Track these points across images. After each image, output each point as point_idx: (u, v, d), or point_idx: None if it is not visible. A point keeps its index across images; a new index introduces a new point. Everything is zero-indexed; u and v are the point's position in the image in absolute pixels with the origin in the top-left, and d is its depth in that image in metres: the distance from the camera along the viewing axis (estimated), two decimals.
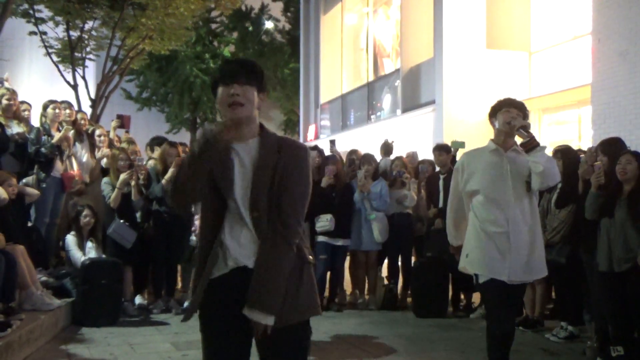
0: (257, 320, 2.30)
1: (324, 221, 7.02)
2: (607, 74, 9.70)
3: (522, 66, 13.01)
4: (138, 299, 7.14)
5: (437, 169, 7.88)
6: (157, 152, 7.57)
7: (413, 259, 7.91)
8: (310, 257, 2.49)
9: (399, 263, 7.79)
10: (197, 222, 7.07)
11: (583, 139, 11.34)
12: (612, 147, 5.40)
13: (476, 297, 7.35)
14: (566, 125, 12.35)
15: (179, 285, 7.59)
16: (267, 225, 2.37)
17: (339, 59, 20.13)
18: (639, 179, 4.82)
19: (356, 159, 7.99)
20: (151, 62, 23.92)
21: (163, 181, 6.99)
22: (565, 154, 5.91)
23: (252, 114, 2.50)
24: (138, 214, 7.21)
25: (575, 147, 9.01)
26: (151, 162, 7.48)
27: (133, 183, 6.86)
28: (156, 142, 8.10)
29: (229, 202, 2.43)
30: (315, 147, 8.25)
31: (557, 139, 12.01)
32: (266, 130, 2.55)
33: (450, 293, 7.35)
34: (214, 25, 27.42)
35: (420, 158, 8.81)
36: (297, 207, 2.42)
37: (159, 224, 7.10)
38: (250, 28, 27.85)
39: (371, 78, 18.11)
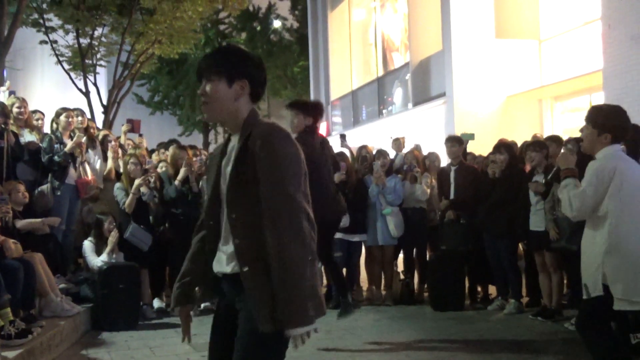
0: (297, 335, 2.09)
1: None
2: (618, 59, 9.60)
3: (532, 55, 12.91)
4: (156, 302, 7.18)
5: (447, 161, 7.84)
6: (167, 154, 7.62)
7: (428, 253, 7.89)
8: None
9: (414, 257, 7.78)
10: None
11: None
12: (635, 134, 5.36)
13: (492, 289, 7.32)
14: (579, 113, 12.25)
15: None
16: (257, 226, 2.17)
17: (348, 55, 20.10)
18: None
19: (367, 155, 7.97)
20: (161, 66, 24.05)
21: (176, 182, 7.06)
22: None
23: (225, 109, 2.30)
24: (151, 217, 7.25)
25: None
26: (162, 165, 7.52)
27: (144, 188, 6.89)
28: (164, 145, 8.17)
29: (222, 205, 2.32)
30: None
31: (571, 126, 11.92)
32: (248, 122, 2.30)
33: (467, 285, 7.33)
34: (222, 27, 27.51)
35: (432, 150, 8.78)
36: (280, 191, 2.14)
37: (175, 226, 7.15)
38: (259, 28, 27.92)
39: (381, 73, 18.06)
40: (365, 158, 7.98)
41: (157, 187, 7.12)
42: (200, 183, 7.21)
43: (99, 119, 15.97)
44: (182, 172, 7.03)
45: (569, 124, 12.19)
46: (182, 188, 7.10)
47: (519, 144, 7.91)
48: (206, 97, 2.31)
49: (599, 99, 10.57)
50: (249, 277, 2.18)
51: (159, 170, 7.39)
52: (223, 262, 2.32)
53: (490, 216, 6.75)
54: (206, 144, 26.89)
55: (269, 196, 2.15)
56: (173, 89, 26.92)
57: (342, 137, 9.12)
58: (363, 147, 8.32)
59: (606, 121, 3.78)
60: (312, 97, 22.59)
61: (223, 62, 2.30)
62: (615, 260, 3.62)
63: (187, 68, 25.84)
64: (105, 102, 15.98)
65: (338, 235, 7.09)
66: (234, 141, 2.32)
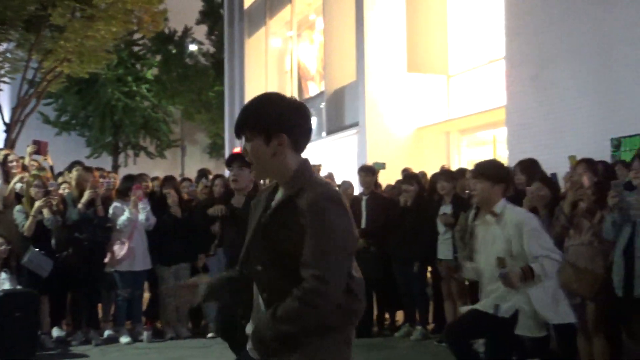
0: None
1: None
2: (519, 96, 10.13)
3: (441, 89, 13.42)
4: (56, 331, 6.85)
5: (359, 189, 7.97)
6: (72, 176, 7.29)
7: None
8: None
9: None
10: (115, 248, 6.86)
11: (499, 159, 11.77)
12: (529, 168, 5.70)
13: (400, 316, 7.44)
14: (483, 146, 12.80)
15: (100, 315, 7.33)
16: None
17: (263, 82, 20.18)
18: (549, 203, 5.04)
19: None
20: (70, 85, 23.28)
21: (79, 205, 6.76)
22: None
23: (268, 167, 2.16)
24: (53, 242, 6.92)
25: None
26: (64, 186, 7.21)
27: (46, 211, 6.58)
28: (68, 167, 7.84)
29: None
30: (220, 176, 8.11)
31: (475, 158, 12.43)
32: (297, 177, 2.13)
33: (375, 312, 7.42)
34: (136, 48, 27.00)
35: (345, 179, 8.90)
36: (315, 272, 2.00)
37: (78, 251, 6.85)
38: (174, 51, 27.60)
39: None
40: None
41: (61, 210, 6.83)
42: (111, 208, 6.96)
43: (0, 137, 15.20)
44: (87, 194, 6.76)
45: (474, 156, 12.70)
46: (88, 212, 6.82)
47: (429, 175, 8.16)
48: (248, 156, 2.19)
49: (502, 134, 11.09)
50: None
51: (62, 192, 7.09)
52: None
53: (400, 244, 6.89)
54: (115, 167, 26.13)
55: (305, 265, 2.03)
56: (82, 109, 26.08)
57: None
58: None
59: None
60: (226, 122, 22.48)
61: (256, 118, 2.15)
62: (536, 290, 3.83)
63: (98, 88, 25.15)
64: (8, 120, 15.26)
65: None
66: (280, 193, 2.18)
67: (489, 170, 4.04)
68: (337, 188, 7.86)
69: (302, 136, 2.18)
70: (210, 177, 8.16)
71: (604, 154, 7.86)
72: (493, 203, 3.96)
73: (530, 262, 3.80)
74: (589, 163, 4.92)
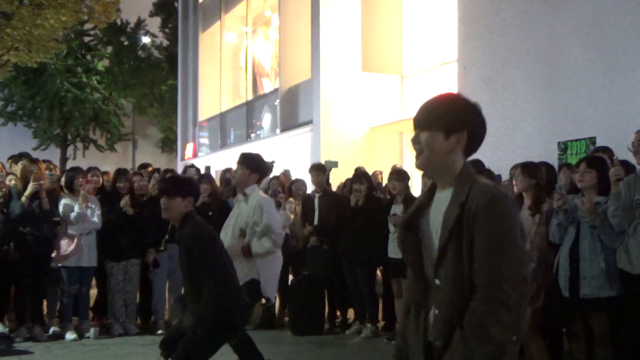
0: None
1: None
2: (471, 98, 10.29)
3: (395, 89, 13.55)
4: None
5: (312, 188, 7.98)
6: (17, 168, 7.06)
7: (290, 278, 7.94)
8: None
9: None
10: (62, 243, 6.68)
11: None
12: (476, 168, 5.78)
13: (351, 313, 7.49)
14: None
15: (45, 311, 7.14)
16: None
17: (217, 77, 20.01)
18: None
19: (232, 178, 7.93)
20: (17, 75, 22.63)
21: (23, 198, 6.55)
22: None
23: (439, 162, 2.12)
24: None
25: None
26: (10, 177, 6.99)
27: None
28: (14, 159, 7.60)
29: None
30: (193, 166, 8.11)
31: None
32: (463, 176, 2.11)
33: (327, 310, 7.44)
34: (87, 38, 26.42)
35: (298, 177, 8.89)
36: (492, 282, 1.93)
37: (21, 245, 6.64)
38: (126, 42, 27.11)
39: (250, 97, 18.12)
40: (228, 181, 7.92)
41: (4, 202, 6.61)
42: (60, 205, 6.76)
43: None
44: (30, 187, 6.54)
45: None
46: (33, 204, 6.61)
47: (386, 174, 8.20)
48: (420, 146, 2.14)
49: None
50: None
51: (8, 183, 6.86)
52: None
53: (351, 243, 6.92)
54: (64, 160, 25.50)
55: (479, 275, 1.95)
56: (29, 100, 25.37)
57: (207, 168, 9.04)
58: (227, 170, 8.25)
59: None
60: (179, 116, 22.20)
61: (444, 113, 2.13)
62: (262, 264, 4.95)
63: (46, 78, 24.50)
64: None
65: None
66: (443, 194, 2.14)
67: (249, 160, 5.09)
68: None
69: (478, 140, 2.17)
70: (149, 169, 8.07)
71: (551, 157, 8.07)
72: (246, 186, 5.04)
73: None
74: (524, 167, 4.99)
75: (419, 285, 2.14)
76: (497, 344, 1.90)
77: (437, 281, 2.05)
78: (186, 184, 4.20)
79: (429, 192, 2.22)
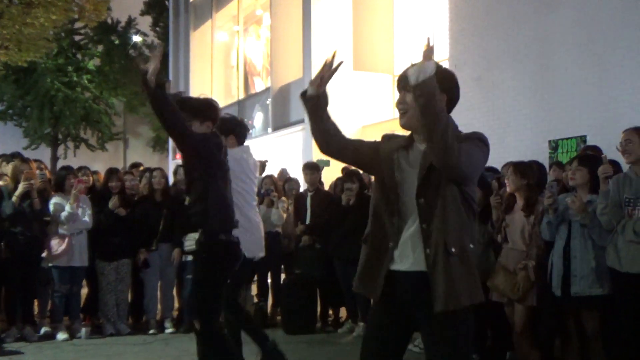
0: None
1: (192, 240, 6.85)
2: (463, 97, 10.25)
3: (386, 88, 13.56)
4: None
5: (305, 187, 7.98)
6: (8, 167, 7.02)
7: (282, 277, 7.94)
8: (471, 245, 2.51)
9: (269, 281, 7.79)
10: (52, 243, 6.66)
11: None
12: None
13: (343, 312, 7.50)
14: None
15: (36, 311, 7.11)
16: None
17: (209, 76, 19.97)
18: (483, 201, 5.13)
19: None
20: (7, 74, 22.49)
21: (14, 198, 6.51)
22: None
23: (414, 119, 2.54)
24: None
25: None
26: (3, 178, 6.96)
27: None
28: (6, 158, 7.56)
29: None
30: (159, 169, 8.03)
31: None
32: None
33: (319, 309, 7.45)
34: (77, 37, 26.29)
35: (291, 176, 8.89)
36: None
37: (12, 245, 6.61)
38: (117, 41, 26.99)
39: (242, 96, 18.10)
40: None
41: None
42: (51, 204, 6.73)
43: None
44: (21, 187, 6.51)
45: None
46: (24, 204, 6.58)
47: None
48: (405, 105, 2.52)
49: None
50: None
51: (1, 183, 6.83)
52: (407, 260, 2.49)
53: (342, 242, 6.91)
54: (54, 159, 25.39)
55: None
56: (19, 99, 25.24)
57: None
58: None
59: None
60: None
61: (448, 79, 2.56)
62: None
63: (37, 77, 24.36)
64: None
65: (190, 258, 6.92)
66: (421, 146, 2.54)
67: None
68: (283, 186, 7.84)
69: (454, 103, 2.60)
70: (142, 169, 8.05)
71: (542, 155, 8.10)
72: None
73: None
74: (516, 167, 4.99)
75: (393, 219, 2.53)
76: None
77: (421, 200, 2.46)
78: (204, 107, 4.13)
79: (409, 139, 2.62)
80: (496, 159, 8.33)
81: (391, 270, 2.52)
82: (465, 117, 10.20)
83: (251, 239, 4.67)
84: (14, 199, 6.51)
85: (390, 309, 2.56)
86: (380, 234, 2.58)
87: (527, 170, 4.94)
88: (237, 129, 4.91)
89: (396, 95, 9.49)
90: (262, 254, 5.04)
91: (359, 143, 2.79)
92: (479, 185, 5.22)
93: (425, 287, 2.42)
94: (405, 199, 2.52)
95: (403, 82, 2.52)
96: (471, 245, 2.49)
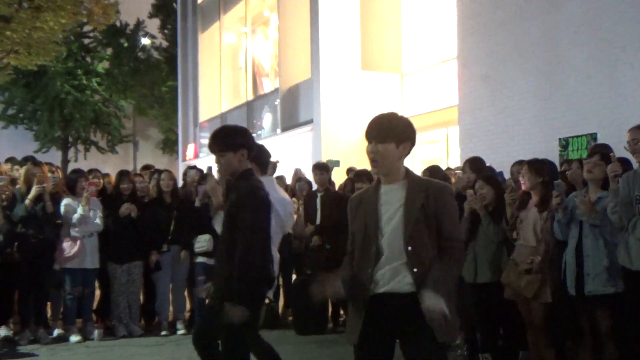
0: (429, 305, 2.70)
1: (202, 242, 6.90)
2: (471, 96, 10.31)
3: (394, 87, 13.55)
4: (2, 330, 6.64)
5: (314, 187, 7.98)
6: (21, 171, 7.07)
7: (293, 277, 7.95)
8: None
9: (280, 282, 7.79)
10: (64, 245, 6.70)
11: (451, 157, 11.97)
12: (478, 165, 5.79)
13: None
14: (436, 145, 12.99)
15: (49, 313, 7.15)
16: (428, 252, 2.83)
17: (217, 78, 20.02)
18: (495, 200, 5.12)
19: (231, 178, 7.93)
20: (17, 78, 22.63)
21: (26, 201, 6.56)
22: (433, 173, 6.15)
23: (392, 165, 2.91)
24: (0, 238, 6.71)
25: (443, 166, 9.49)
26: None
27: None
28: (19, 162, 7.62)
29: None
30: (194, 167, 8.13)
31: (428, 157, 12.59)
32: (409, 175, 2.98)
33: (330, 309, 7.45)
34: (86, 41, 26.44)
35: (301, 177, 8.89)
36: (457, 235, 2.96)
37: (24, 248, 6.65)
38: (126, 44, 27.12)
39: (250, 97, 18.14)
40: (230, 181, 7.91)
41: (8, 205, 6.62)
42: (62, 206, 6.77)
43: None
44: (34, 190, 6.55)
45: (426, 155, 12.87)
46: (36, 207, 6.63)
47: None
48: (376, 155, 2.87)
49: (455, 133, 11.27)
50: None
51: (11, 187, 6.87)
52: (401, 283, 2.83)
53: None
54: (65, 162, 25.53)
55: (450, 233, 2.89)
56: (30, 103, 25.39)
57: (209, 168, 9.02)
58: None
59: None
60: (179, 117, 22.22)
61: (395, 127, 2.88)
62: None
63: (46, 81, 24.51)
64: None
65: (201, 259, 6.97)
66: (391, 188, 2.93)
67: None
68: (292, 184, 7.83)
69: (413, 147, 2.97)
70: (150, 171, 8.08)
71: (552, 153, 8.07)
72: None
73: None
74: (531, 165, 4.97)
75: (371, 252, 2.88)
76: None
77: (409, 248, 2.82)
78: (234, 135, 3.73)
79: (377, 186, 2.97)
80: (505, 158, 8.34)
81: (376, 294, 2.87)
82: (473, 117, 10.18)
83: None
84: (26, 202, 6.55)
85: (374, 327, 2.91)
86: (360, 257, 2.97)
87: (542, 168, 4.91)
88: (259, 157, 4.38)
89: (405, 95, 9.52)
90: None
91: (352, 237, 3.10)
92: (490, 185, 5.24)
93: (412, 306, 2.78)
94: (385, 231, 2.90)
95: (374, 133, 2.88)
96: None
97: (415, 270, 2.79)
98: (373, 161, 2.88)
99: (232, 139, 3.67)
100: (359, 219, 2.99)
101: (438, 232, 2.84)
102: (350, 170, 8.56)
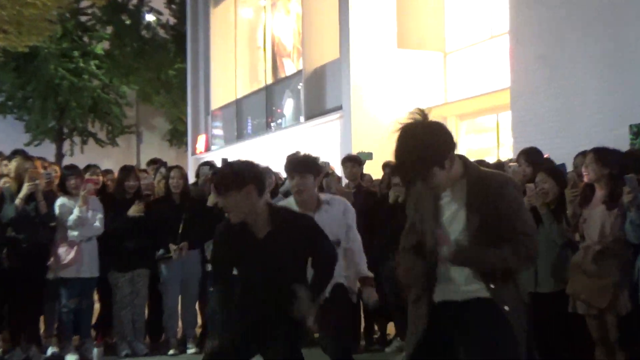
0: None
1: None
2: (525, 77, 10.21)
3: (436, 68, 13.47)
4: None
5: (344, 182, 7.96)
6: (10, 166, 7.14)
7: None
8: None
9: None
10: (60, 251, 6.77)
11: (502, 148, 11.87)
12: (534, 157, 5.73)
13: (391, 328, 7.47)
14: (485, 133, 12.89)
15: (42, 328, 7.25)
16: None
17: (232, 59, 20.10)
18: (555, 200, 5.06)
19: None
20: (6, 61, 22.96)
21: (17, 201, 6.63)
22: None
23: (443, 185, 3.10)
24: None
25: (494, 157, 9.40)
26: (4, 180, 7.07)
27: None
28: (7, 157, 7.69)
29: None
30: (208, 163, 8.17)
31: (475, 147, 12.48)
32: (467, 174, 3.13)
33: (363, 324, 7.43)
34: (84, 18, 26.70)
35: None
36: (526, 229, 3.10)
37: (14, 254, 6.72)
38: (128, 22, 27.34)
39: (270, 81, 18.18)
40: None
41: None
42: (57, 206, 6.84)
43: None
44: (25, 188, 6.61)
45: (473, 144, 12.77)
46: (28, 207, 6.70)
47: None
48: (433, 182, 3.04)
49: (506, 119, 11.16)
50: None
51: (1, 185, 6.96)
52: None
53: (390, 245, 6.87)
54: (59, 156, 25.86)
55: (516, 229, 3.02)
56: (20, 89, 25.74)
57: (224, 161, 9.04)
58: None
59: None
60: (189, 105, 22.36)
61: (433, 151, 2.98)
62: None
63: (39, 64, 24.80)
64: None
65: None
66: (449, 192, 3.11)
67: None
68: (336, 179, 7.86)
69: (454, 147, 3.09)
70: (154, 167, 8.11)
71: (621, 143, 7.94)
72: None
73: None
74: (596, 153, 4.89)
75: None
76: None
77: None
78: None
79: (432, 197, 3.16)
80: (564, 149, 8.24)
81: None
82: (527, 101, 10.08)
83: None
84: (17, 201, 6.62)
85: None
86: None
87: (609, 158, 4.84)
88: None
89: (449, 76, 9.45)
90: None
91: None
92: (554, 178, 5.17)
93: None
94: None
95: (411, 173, 3.09)
96: None
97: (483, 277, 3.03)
98: (435, 187, 3.13)
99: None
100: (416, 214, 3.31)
101: (504, 230, 2.99)
102: (386, 165, 8.51)
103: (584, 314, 4.79)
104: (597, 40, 9.13)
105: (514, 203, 3.05)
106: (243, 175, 3.75)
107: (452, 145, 3.04)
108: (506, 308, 2.99)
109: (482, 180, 3.06)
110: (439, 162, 2.96)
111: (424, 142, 2.98)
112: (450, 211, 3.09)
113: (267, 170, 7.81)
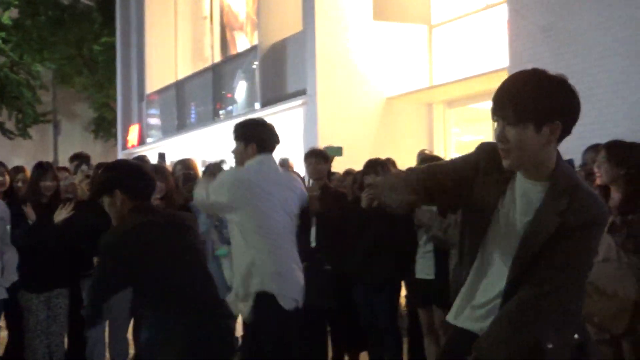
0: None
1: None
2: (527, 55, 10.31)
3: (420, 44, 13.54)
4: None
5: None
6: None
7: None
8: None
9: None
10: None
11: None
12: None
13: (365, 358, 7.52)
14: (478, 123, 12.99)
15: None
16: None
17: (171, 32, 20.03)
18: None
19: (192, 172, 7.95)
20: None
21: None
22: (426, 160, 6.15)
23: (531, 159, 2.68)
24: None
25: None
26: None
27: None
28: None
29: None
30: (142, 158, 8.15)
31: (466, 139, 12.60)
32: (559, 174, 2.72)
33: (330, 353, 7.48)
34: None
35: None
36: (573, 277, 2.84)
37: None
38: None
39: (218, 58, 18.16)
40: (189, 176, 7.93)
41: None
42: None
43: None
44: None
45: (464, 136, 12.88)
46: None
47: (399, 163, 8.22)
48: (507, 144, 2.65)
49: None
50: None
51: None
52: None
53: (363, 260, 6.90)
54: None
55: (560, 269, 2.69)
56: None
57: (161, 156, 9.03)
58: (182, 162, 8.28)
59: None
60: (119, 87, 22.23)
61: (532, 103, 2.60)
62: None
63: None
64: None
65: None
66: (530, 186, 2.73)
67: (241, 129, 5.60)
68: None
69: (571, 126, 2.70)
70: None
71: None
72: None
73: None
74: (610, 150, 4.95)
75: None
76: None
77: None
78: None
79: (508, 173, 2.76)
80: (575, 140, 8.33)
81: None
82: None
83: None
84: None
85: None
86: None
87: (625, 155, 4.89)
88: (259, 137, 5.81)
89: (435, 54, 9.53)
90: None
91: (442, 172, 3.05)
92: None
93: None
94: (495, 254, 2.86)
95: (499, 110, 2.71)
96: None
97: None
98: (503, 153, 2.70)
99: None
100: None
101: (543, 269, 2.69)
102: (348, 173, 8.55)
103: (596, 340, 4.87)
104: (614, 7, 9.24)
105: (584, 252, 2.74)
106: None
107: (568, 113, 2.67)
108: (550, 346, 2.68)
109: (573, 195, 2.66)
110: (539, 119, 2.59)
111: (542, 85, 2.66)
112: (509, 214, 2.79)
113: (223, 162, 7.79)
